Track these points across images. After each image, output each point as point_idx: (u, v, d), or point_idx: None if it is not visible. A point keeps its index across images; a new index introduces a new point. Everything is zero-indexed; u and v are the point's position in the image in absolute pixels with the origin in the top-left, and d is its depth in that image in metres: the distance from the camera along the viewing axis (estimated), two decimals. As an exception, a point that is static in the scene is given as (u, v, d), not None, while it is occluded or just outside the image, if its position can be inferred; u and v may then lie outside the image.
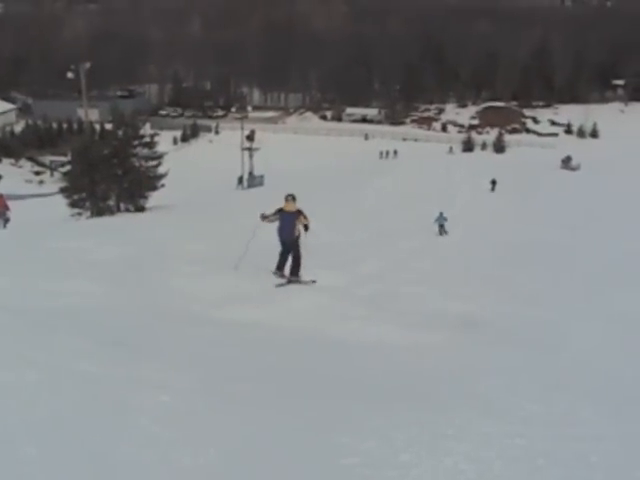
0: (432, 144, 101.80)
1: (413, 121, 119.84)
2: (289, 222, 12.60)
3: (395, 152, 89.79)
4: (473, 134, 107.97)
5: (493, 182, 53.34)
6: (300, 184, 56.84)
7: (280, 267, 12.94)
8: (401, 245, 25.24)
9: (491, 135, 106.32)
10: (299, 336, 12.06)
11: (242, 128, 71.18)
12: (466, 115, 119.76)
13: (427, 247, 27.01)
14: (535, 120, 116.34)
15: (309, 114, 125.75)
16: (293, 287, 15.84)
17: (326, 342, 11.71)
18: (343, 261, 21.39)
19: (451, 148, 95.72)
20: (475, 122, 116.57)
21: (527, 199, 46.06)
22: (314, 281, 13.54)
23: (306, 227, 13.09)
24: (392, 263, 21.46)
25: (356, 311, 14.25)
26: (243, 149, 68.21)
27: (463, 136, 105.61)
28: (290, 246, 12.81)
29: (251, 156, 67.63)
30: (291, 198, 12.78)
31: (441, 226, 33.48)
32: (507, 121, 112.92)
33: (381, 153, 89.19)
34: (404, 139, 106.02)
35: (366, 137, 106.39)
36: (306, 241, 14.13)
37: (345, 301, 15.28)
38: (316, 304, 14.39)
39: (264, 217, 12.89)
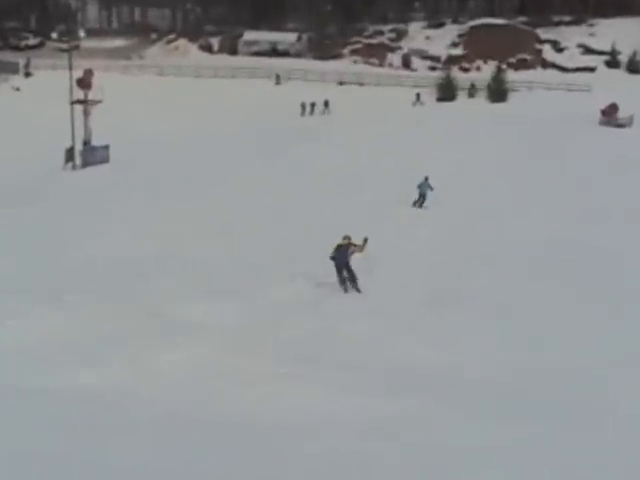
0: (387, 90, 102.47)
1: (354, 52, 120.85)
2: (342, 253, 22.77)
3: (326, 104, 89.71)
4: (455, 71, 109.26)
5: None
6: (170, 161, 56.50)
7: (343, 282, 22.90)
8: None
9: (484, 73, 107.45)
10: (167, 413, 12.00)
11: (70, 67, 70.36)
12: (442, 41, 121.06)
13: (384, 253, 27.09)
14: (557, 46, 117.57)
15: (183, 43, 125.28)
16: (154, 331, 15.79)
17: (212, 423, 11.67)
18: (240, 284, 21.60)
19: (418, 96, 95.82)
20: (458, 52, 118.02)
21: (546, 176, 46.81)
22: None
23: (360, 250, 23.08)
24: (322, 282, 21.73)
25: (263, 368, 14.25)
26: (73, 102, 67.46)
27: (438, 75, 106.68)
28: (343, 267, 22.75)
29: (87, 114, 66.97)
30: (347, 237, 22.98)
31: (422, 196, 35.26)
32: (511, 49, 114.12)
33: (303, 106, 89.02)
34: (340, 83, 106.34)
35: (278, 80, 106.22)
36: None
37: (242, 351, 15.26)
38: (193, 358, 14.35)
39: (332, 258, 23.03)
